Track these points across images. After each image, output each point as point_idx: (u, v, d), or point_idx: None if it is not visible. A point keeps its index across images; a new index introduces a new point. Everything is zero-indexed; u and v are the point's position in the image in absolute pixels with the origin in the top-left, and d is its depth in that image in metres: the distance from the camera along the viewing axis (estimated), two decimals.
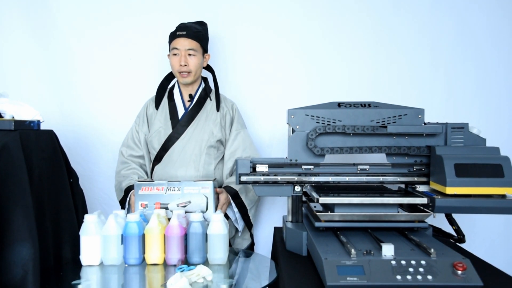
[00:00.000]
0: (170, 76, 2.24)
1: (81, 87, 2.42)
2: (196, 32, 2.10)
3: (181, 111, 2.16)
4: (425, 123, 1.61)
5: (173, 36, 2.10)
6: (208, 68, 2.25)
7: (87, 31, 2.41)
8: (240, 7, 2.42)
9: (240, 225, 2.06)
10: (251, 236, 2.18)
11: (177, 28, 2.11)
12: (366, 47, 2.42)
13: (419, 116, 1.60)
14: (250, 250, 2.16)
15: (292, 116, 1.63)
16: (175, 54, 2.08)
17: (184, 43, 2.06)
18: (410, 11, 2.41)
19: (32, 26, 2.38)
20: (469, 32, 2.41)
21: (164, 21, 2.34)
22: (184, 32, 2.07)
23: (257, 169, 1.64)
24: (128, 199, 1.97)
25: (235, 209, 2.00)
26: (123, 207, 2.04)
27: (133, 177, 2.05)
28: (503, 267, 1.42)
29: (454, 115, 2.30)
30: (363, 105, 1.64)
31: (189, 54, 2.07)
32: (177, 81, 2.22)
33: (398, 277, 1.21)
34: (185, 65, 2.07)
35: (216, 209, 1.84)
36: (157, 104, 2.17)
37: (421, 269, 1.23)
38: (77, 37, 2.41)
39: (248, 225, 2.08)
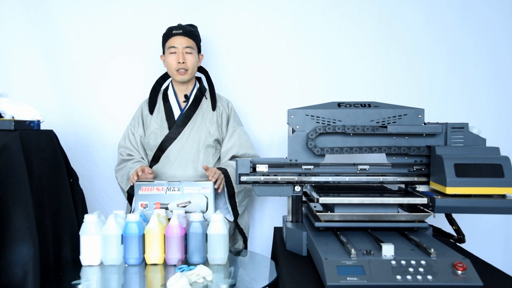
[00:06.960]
0: (161, 80, 2.23)
1: (81, 87, 2.43)
2: (191, 31, 2.12)
3: (176, 112, 2.16)
4: (425, 123, 1.61)
5: (168, 36, 2.11)
6: (201, 69, 2.25)
7: (87, 32, 2.41)
8: (237, 7, 2.42)
9: (229, 208, 2.03)
10: (241, 231, 2.13)
11: (171, 28, 2.12)
12: (366, 47, 2.42)
13: (419, 116, 1.60)
14: (244, 246, 2.17)
15: (292, 116, 1.63)
16: (172, 53, 2.08)
17: (182, 41, 2.08)
18: (411, 11, 2.41)
19: (32, 26, 2.38)
20: (469, 32, 2.41)
21: (163, 22, 2.34)
22: (181, 31, 2.09)
23: (257, 169, 1.64)
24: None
25: (224, 189, 1.97)
26: (130, 201, 2.04)
27: (144, 162, 2.09)
28: (503, 267, 1.42)
29: (454, 115, 2.30)
30: (363, 105, 1.64)
31: (186, 52, 2.08)
32: (171, 82, 2.21)
33: (398, 277, 1.21)
34: (183, 63, 2.07)
35: (215, 207, 1.84)
36: (151, 109, 2.16)
37: (421, 269, 1.23)
38: (77, 38, 2.41)
39: (234, 211, 2.04)
